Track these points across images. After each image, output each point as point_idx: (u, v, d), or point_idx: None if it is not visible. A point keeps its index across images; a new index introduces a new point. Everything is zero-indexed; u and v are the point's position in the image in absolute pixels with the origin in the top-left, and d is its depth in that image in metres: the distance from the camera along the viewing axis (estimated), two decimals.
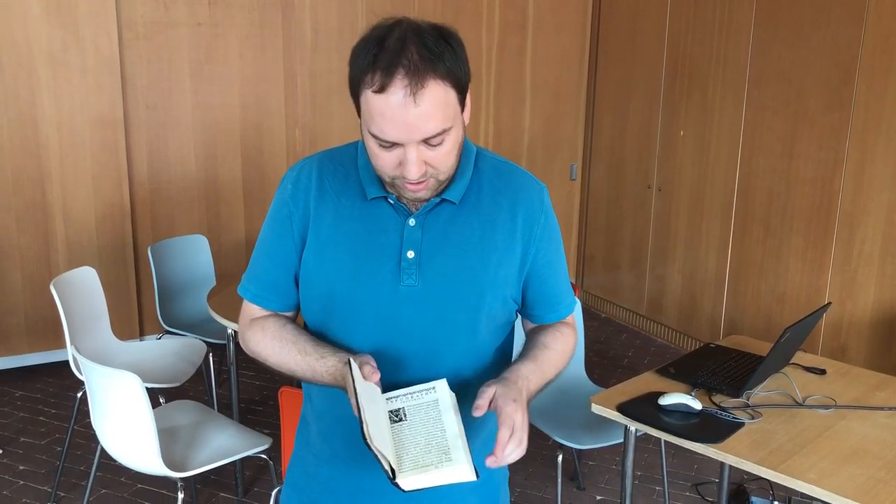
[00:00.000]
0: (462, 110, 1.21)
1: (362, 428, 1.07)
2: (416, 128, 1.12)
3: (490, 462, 1.13)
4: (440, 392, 1.21)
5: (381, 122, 1.13)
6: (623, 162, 5.37)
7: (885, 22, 3.57)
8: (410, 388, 1.22)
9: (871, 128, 3.66)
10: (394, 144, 1.15)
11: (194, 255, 4.06)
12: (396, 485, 1.09)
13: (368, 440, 1.06)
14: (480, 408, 1.16)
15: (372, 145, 1.19)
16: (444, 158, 1.19)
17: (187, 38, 4.48)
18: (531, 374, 1.27)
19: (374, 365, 1.19)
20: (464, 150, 1.32)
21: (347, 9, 4.84)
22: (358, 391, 1.11)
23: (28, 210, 4.23)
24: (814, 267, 4.01)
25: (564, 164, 5.78)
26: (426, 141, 1.15)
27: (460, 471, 1.10)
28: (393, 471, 1.10)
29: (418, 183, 1.19)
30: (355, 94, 1.18)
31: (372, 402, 1.15)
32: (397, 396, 1.22)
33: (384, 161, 1.18)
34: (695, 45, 4.66)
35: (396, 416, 1.19)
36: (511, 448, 1.14)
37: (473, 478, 1.10)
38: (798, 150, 4.04)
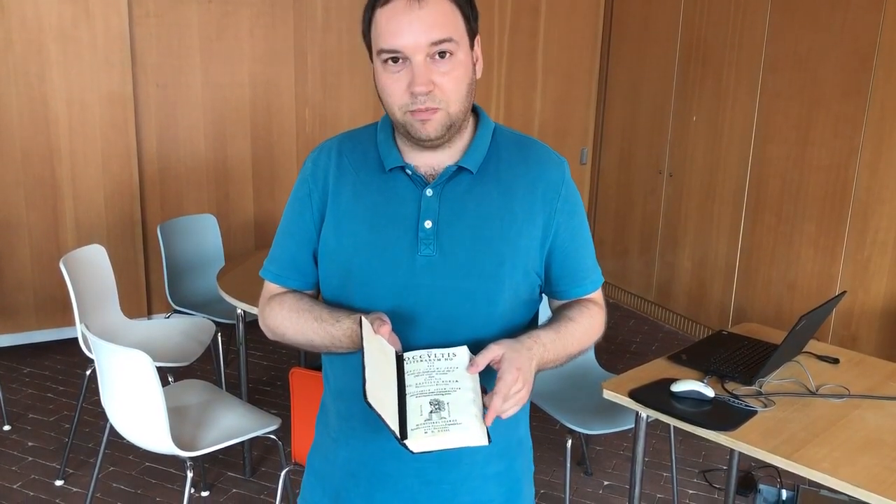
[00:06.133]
0: (471, 47, 1.25)
1: (363, 386, 1.06)
2: (420, 31, 1.16)
3: (488, 420, 1.13)
4: (460, 358, 1.20)
5: (386, 31, 1.18)
6: (634, 147, 5.34)
7: None
8: (431, 350, 1.21)
9: (888, 115, 3.62)
10: (403, 63, 1.19)
11: (203, 235, 4.05)
12: (405, 446, 1.08)
13: (368, 400, 1.05)
14: (477, 366, 1.16)
15: (382, 75, 1.21)
16: (454, 84, 1.21)
17: (198, 15, 4.44)
18: (549, 343, 1.25)
19: (385, 319, 1.18)
20: (481, 120, 1.33)
21: None
22: (365, 349, 1.11)
23: (37, 186, 4.23)
24: (826, 255, 3.98)
25: (575, 148, 5.74)
26: (432, 55, 1.18)
27: (471, 435, 1.09)
28: (403, 432, 1.09)
29: (428, 110, 1.20)
30: (367, 31, 1.23)
31: (381, 362, 1.14)
32: (417, 358, 1.21)
33: (394, 88, 1.21)
34: (709, 29, 4.61)
35: (413, 377, 1.18)
36: (503, 409, 1.13)
37: (485, 442, 1.09)
38: (812, 136, 4.00)
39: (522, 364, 1.16)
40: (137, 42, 4.33)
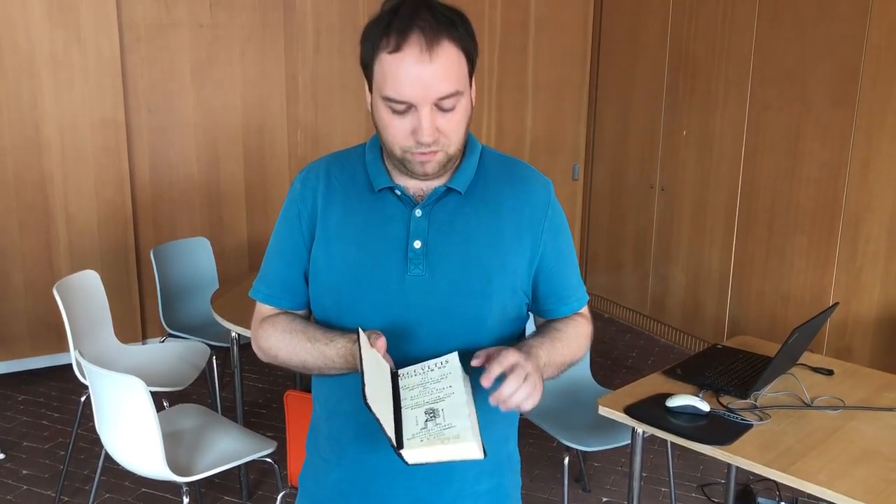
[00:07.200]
0: (470, 85, 1.25)
1: (363, 389, 1.06)
2: (430, 85, 1.16)
3: (491, 400, 1.12)
4: (452, 365, 1.21)
5: (395, 82, 1.16)
6: (626, 161, 5.36)
7: (890, 18, 3.55)
8: (424, 362, 1.23)
9: (876, 126, 3.65)
10: (408, 109, 1.18)
11: (197, 258, 4.05)
12: (400, 456, 1.08)
13: (368, 402, 1.05)
14: (478, 357, 1.17)
15: (384, 115, 1.21)
16: (456, 127, 1.22)
17: (189, 39, 4.46)
18: (540, 347, 1.27)
19: (381, 334, 1.19)
20: (469, 143, 1.34)
21: (349, 10, 4.82)
22: (363, 357, 1.11)
23: (30, 213, 4.22)
24: (818, 266, 4.00)
25: (567, 163, 5.76)
26: (439, 105, 1.18)
27: (467, 448, 1.09)
28: (399, 442, 1.09)
29: (429, 153, 1.21)
30: (368, 65, 1.21)
31: (378, 373, 1.15)
32: (411, 373, 1.22)
33: (396, 129, 1.21)
34: (697, 43, 4.65)
35: (408, 391, 1.18)
36: (513, 387, 1.11)
37: (480, 456, 1.09)
38: (802, 148, 4.02)
39: (523, 360, 1.16)
40: (129, 67, 4.35)
